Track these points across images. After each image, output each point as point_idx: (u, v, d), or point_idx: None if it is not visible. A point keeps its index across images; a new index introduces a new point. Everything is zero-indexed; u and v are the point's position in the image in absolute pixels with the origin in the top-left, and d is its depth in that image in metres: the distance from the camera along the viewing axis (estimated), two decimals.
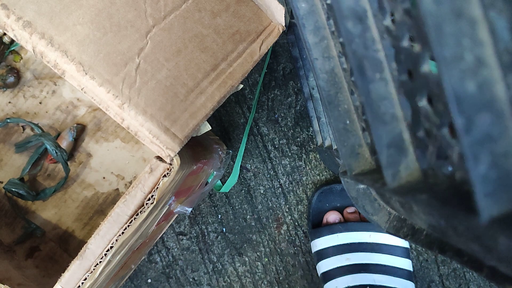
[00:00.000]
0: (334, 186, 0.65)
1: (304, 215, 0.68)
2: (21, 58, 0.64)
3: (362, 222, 0.62)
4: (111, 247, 0.41)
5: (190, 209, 0.53)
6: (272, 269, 0.68)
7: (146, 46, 0.41)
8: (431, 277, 0.68)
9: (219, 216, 0.68)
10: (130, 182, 0.64)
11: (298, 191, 0.68)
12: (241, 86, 0.45)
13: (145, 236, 0.47)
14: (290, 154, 0.67)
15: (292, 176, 0.68)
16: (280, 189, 0.68)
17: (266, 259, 0.68)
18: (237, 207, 0.68)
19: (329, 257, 0.62)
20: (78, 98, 0.64)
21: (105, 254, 0.41)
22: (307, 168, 0.68)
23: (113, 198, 0.64)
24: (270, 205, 0.68)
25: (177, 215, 0.66)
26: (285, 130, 0.67)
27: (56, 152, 0.61)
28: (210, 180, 0.60)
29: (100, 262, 0.41)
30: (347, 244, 0.62)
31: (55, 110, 0.64)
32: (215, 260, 0.68)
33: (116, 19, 0.40)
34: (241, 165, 0.67)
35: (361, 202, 0.38)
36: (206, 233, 0.68)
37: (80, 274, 0.41)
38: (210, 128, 0.46)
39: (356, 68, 0.25)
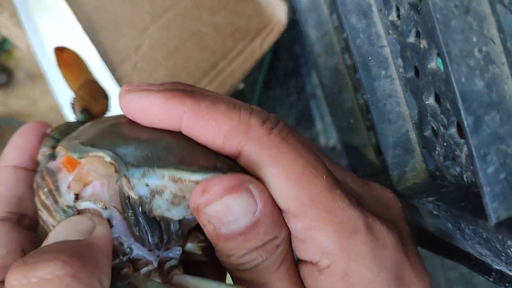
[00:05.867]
0: None
1: None
2: (14, 57, 0.64)
3: None
4: None
5: None
6: None
7: (143, 44, 0.40)
8: (438, 282, 0.67)
9: None
10: None
11: None
12: (242, 85, 0.45)
13: None
14: None
15: None
16: None
17: None
18: None
19: None
20: None
21: None
22: None
23: None
24: None
25: None
26: None
27: None
28: None
29: None
30: None
31: (49, 110, 0.64)
32: None
33: (113, 16, 0.40)
34: None
35: None
36: None
37: None
38: None
39: (360, 65, 0.25)
